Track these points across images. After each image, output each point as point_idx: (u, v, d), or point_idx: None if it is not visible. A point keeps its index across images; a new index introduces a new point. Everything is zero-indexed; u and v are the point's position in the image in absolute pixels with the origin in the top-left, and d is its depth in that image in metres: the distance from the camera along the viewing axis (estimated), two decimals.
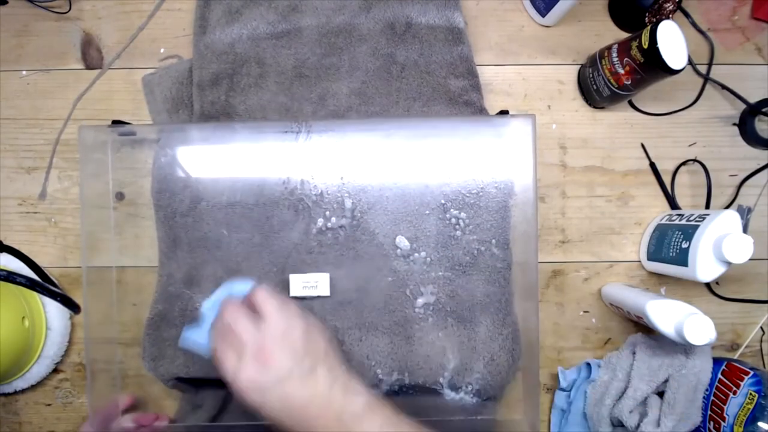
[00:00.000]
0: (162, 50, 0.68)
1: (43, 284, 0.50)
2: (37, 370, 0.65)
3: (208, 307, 0.53)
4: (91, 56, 0.68)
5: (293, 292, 0.62)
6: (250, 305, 0.50)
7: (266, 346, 0.47)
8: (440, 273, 0.63)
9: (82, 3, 0.68)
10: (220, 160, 0.63)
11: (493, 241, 0.63)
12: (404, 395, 0.63)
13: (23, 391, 0.66)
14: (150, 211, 0.65)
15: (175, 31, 0.68)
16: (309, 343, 0.49)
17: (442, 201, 0.63)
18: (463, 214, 0.63)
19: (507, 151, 0.63)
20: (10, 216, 0.67)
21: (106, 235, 0.64)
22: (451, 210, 0.63)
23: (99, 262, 0.63)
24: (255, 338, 0.47)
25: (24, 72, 0.68)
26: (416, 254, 0.63)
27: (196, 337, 0.53)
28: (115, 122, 0.61)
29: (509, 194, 0.63)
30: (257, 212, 0.63)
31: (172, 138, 0.63)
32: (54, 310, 0.65)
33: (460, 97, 0.65)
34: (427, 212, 0.63)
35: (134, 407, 0.65)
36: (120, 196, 0.65)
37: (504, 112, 0.62)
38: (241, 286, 0.53)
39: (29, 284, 0.49)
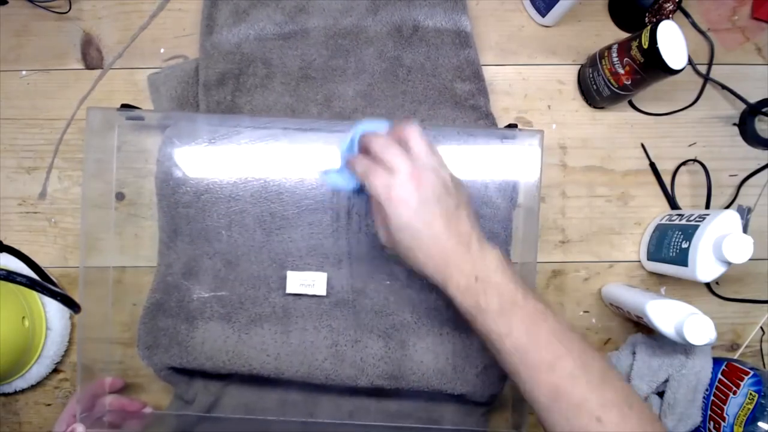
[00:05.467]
0: (162, 50, 0.68)
1: (43, 284, 0.50)
2: (37, 370, 0.65)
3: (345, 148, 0.51)
4: (91, 56, 0.68)
5: (290, 290, 0.62)
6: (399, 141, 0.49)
7: (420, 171, 0.46)
8: None
9: (82, 3, 0.68)
10: (226, 153, 0.63)
11: None
12: (395, 399, 0.63)
13: (23, 391, 0.66)
14: (150, 211, 0.65)
15: (175, 31, 0.68)
16: (455, 186, 0.48)
17: None
18: None
19: (513, 163, 0.63)
20: (10, 216, 0.67)
21: (106, 235, 0.64)
22: None
23: (99, 263, 0.63)
24: (408, 163, 0.46)
25: (24, 72, 0.68)
26: None
27: (337, 175, 0.51)
28: (124, 106, 0.61)
29: (512, 205, 0.63)
30: (259, 208, 0.63)
31: (180, 128, 0.63)
32: (54, 310, 0.65)
33: (466, 101, 0.65)
34: None
35: (123, 392, 0.65)
36: (120, 197, 0.65)
37: (513, 126, 0.62)
38: (377, 125, 0.51)
39: (29, 284, 0.49)
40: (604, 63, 0.62)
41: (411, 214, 0.45)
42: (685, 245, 0.58)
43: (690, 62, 0.67)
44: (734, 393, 0.58)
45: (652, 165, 0.67)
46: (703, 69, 0.67)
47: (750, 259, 0.54)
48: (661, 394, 0.62)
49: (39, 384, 0.66)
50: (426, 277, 0.47)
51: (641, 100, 0.68)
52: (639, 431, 0.42)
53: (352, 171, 0.49)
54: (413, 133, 0.48)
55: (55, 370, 0.67)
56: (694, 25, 0.67)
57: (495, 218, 0.63)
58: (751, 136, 0.67)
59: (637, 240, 0.68)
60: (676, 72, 0.55)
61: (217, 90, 0.64)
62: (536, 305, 0.45)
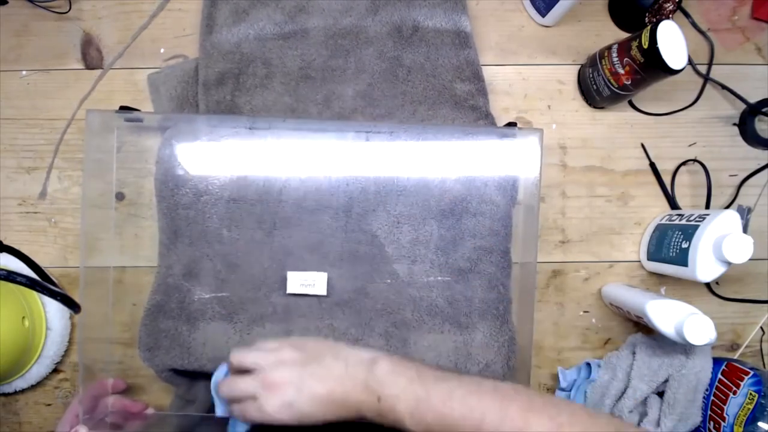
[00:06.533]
0: (162, 50, 0.68)
1: (43, 283, 0.50)
2: (37, 370, 0.65)
3: (220, 411, 0.55)
4: (91, 56, 0.68)
5: (290, 290, 0.62)
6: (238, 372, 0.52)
7: (267, 377, 0.49)
8: (439, 278, 0.63)
9: (82, 3, 0.68)
10: (225, 154, 0.63)
11: (494, 249, 0.62)
12: None
13: (23, 391, 0.66)
14: (150, 211, 0.65)
15: (175, 31, 0.68)
16: (300, 351, 0.50)
17: (445, 206, 0.62)
18: (465, 221, 0.62)
19: (512, 161, 0.63)
20: (10, 216, 0.67)
21: (106, 235, 0.64)
22: (454, 216, 0.63)
23: (99, 263, 0.63)
24: (254, 381, 0.49)
25: (24, 72, 0.68)
26: (416, 258, 0.63)
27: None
28: (123, 108, 0.61)
29: (512, 203, 0.63)
30: (259, 208, 0.63)
31: (179, 129, 0.63)
32: (54, 310, 0.65)
33: (466, 101, 0.65)
34: (430, 217, 0.63)
35: (125, 393, 0.65)
36: (120, 197, 0.65)
37: (512, 124, 0.62)
38: (218, 372, 0.56)
39: (29, 284, 0.49)
40: (604, 63, 0.62)
41: (295, 414, 0.48)
42: (685, 245, 0.58)
43: (690, 62, 0.67)
44: (734, 393, 0.58)
45: (652, 165, 0.67)
46: (703, 69, 0.67)
47: (750, 259, 0.54)
48: (661, 394, 0.62)
49: (39, 384, 0.66)
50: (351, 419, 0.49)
51: (641, 100, 0.68)
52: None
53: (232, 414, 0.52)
54: (234, 358, 0.51)
55: (55, 370, 0.67)
56: (694, 25, 0.67)
57: (495, 216, 0.63)
58: (751, 136, 0.67)
59: (637, 240, 0.68)
60: (676, 72, 0.55)
61: (217, 90, 0.64)
62: (440, 387, 0.46)
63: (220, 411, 0.54)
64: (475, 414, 0.44)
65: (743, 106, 0.67)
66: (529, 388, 0.49)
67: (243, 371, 0.51)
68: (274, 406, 0.48)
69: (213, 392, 0.55)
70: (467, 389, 0.45)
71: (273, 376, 0.48)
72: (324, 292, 0.62)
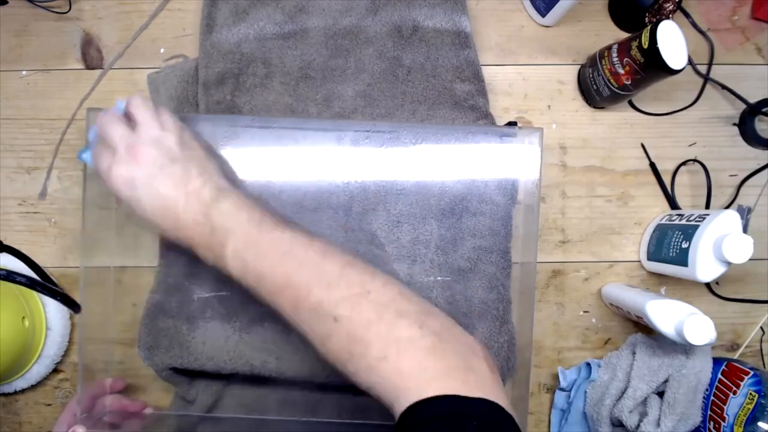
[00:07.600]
0: (162, 50, 0.68)
1: (44, 283, 0.50)
2: (37, 370, 0.65)
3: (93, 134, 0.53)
4: (91, 56, 0.68)
5: None
6: (128, 117, 0.50)
7: (138, 144, 0.47)
8: (439, 278, 0.62)
9: (82, 3, 0.68)
10: (225, 153, 0.63)
11: (494, 248, 0.62)
12: None
13: (23, 391, 0.66)
14: None
15: (175, 31, 0.68)
16: (183, 147, 0.49)
17: (445, 206, 0.62)
18: (465, 220, 0.62)
19: (513, 161, 0.63)
20: (10, 216, 0.67)
21: (106, 235, 0.64)
22: (454, 215, 0.62)
23: (99, 263, 0.63)
24: (128, 138, 0.48)
25: (24, 72, 0.68)
26: (416, 258, 0.63)
27: (86, 156, 0.54)
28: None
29: (512, 203, 0.63)
30: None
31: None
32: (54, 310, 0.65)
33: (466, 101, 0.65)
34: (430, 216, 0.62)
35: (125, 393, 0.65)
36: None
37: (512, 123, 0.62)
38: (120, 104, 0.52)
39: (29, 283, 0.49)
40: (604, 63, 0.62)
41: (131, 192, 0.47)
42: (685, 245, 0.58)
43: (690, 62, 0.67)
44: (734, 393, 0.58)
45: (652, 165, 0.67)
46: (703, 69, 0.67)
47: (750, 259, 0.54)
48: (661, 394, 0.62)
49: (39, 384, 0.66)
50: (180, 245, 0.48)
51: (641, 100, 0.68)
52: (374, 317, 0.42)
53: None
54: (134, 105, 0.49)
55: (55, 370, 0.67)
56: (694, 25, 0.67)
57: (495, 215, 0.63)
58: (751, 136, 0.67)
59: (637, 240, 0.68)
60: (676, 72, 0.55)
61: (217, 89, 0.64)
62: (273, 234, 0.45)
63: (91, 134, 0.52)
64: (293, 262, 0.43)
65: (743, 106, 0.67)
66: (368, 265, 0.47)
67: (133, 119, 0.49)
68: (120, 174, 0.47)
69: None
70: (300, 242, 0.45)
71: (142, 150, 0.47)
72: None
